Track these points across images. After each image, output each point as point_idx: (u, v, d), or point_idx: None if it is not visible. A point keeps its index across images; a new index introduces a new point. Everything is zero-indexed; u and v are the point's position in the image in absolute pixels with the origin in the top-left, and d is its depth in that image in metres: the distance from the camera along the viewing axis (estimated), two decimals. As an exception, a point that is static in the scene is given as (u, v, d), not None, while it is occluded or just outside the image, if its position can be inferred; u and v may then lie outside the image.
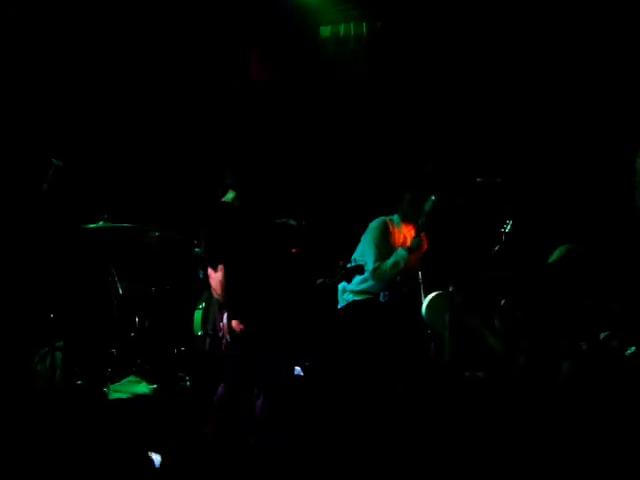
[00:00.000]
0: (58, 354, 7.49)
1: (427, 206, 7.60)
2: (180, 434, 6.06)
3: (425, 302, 7.32)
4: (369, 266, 7.46)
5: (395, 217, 7.78)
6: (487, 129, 9.20)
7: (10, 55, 8.46)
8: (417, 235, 7.51)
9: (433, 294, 7.51)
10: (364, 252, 7.60)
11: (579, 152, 8.92)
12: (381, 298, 7.55)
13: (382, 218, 7.77)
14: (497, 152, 8.70)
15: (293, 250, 8.03)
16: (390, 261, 7.49)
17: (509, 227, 7.80)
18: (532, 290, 7.71)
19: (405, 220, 7.73)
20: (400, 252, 7.54)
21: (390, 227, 7.74)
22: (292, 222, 7.11)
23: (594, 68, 8.78)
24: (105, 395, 7.13)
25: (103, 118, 8.98)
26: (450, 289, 7.23)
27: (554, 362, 6.20)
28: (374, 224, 7.73)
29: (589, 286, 7.35)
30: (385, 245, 7.60)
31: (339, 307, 7.66)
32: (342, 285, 7.47)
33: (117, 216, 8.19)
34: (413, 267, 7.57)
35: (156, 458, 5.48)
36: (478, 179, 7.67)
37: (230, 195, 6.12)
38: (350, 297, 7.59)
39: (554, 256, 7.42)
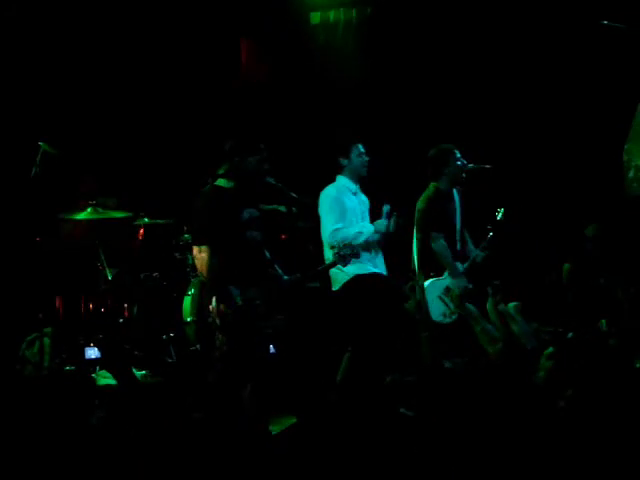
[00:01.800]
0: (46, 340, 7.47)
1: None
2: (168, 419, 6.04)
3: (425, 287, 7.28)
4: (327, 230, 7.29)
5: (342, 179, 7.58)
6: (477, 115, 9.20)
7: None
8: (389, 217, 7.30)
9: (430, 281, 7.51)
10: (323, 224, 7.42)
11: (570, 140, 8.94)
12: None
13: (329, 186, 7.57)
14: (487, 139, 8.68)
15: (282, 236, 8.03)
16: (354, 229, 7.34)
17: (501, 215, 7.79)
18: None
19: (353, 176, 7.50)
20: (368, 226, 7.38)
21: (337, 192, 7.54)
22: (282, 209, 7.10)
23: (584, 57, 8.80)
24: (94, 381, 7.11)
25: (97, 103, 8.95)
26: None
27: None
28: (322, 194, 7.54)
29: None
30: (340, 206, 7.43)
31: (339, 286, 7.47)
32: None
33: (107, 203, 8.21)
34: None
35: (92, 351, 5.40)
36: (470, 165, 7.67)
37: (221, 170, 6.12)
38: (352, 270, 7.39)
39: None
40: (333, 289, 7.34)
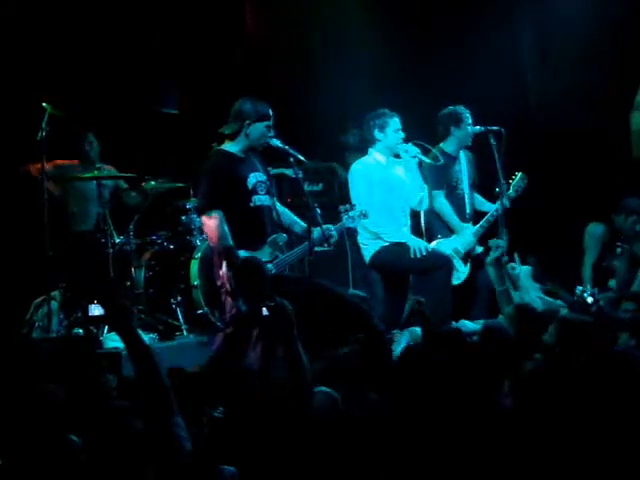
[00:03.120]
0: (54, 303, 7.48)
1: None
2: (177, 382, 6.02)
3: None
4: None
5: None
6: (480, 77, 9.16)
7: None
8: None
9: (436, 242, 7.52)
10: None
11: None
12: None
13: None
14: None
15: (289, 200, 8.00)
16: None
17: (518, 179, 7.75)
18: None
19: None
20: None
21: None
22: (289, 172, 7.07)
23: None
24: (101, 343, 7.11)
25: (101, 66, 8.90)
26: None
27: None
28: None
29: None
30: None
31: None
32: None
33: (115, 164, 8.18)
34: None
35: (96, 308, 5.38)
36: (477, 127, 7.63)
37: (227, 129, 6.09)
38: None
39: None
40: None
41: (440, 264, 7.27)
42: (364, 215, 6.59)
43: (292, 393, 4.41)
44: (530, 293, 7.36)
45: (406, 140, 7.30)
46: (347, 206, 6.64)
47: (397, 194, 7.38)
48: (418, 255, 7.20)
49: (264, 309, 5.87)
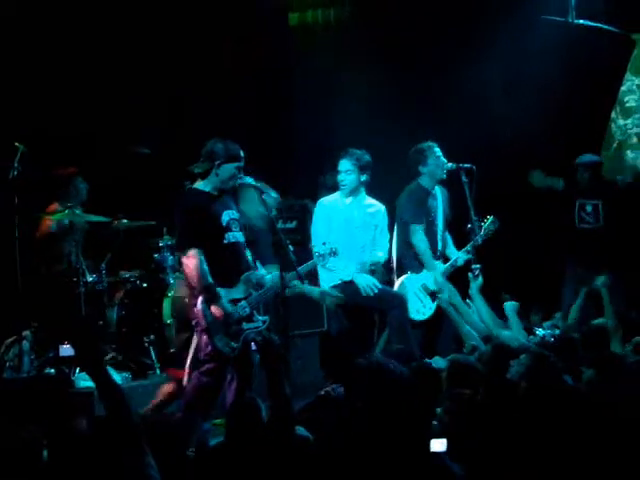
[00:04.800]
0: (25, 343, 7.41)
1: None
2: (149, 420, 5.98)
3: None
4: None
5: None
6: (450, 115, 9.24)
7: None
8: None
9: (407, 276, 7.56)
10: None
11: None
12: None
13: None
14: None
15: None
16: None
17: (489, 222, 7.76)
18: None
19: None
20: None
21: None
22: (262, 209, 7.07)
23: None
24: (73, 383, 7.05)
25: (75, 101, 8.90)
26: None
27: None
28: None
29: None
30: None
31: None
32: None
33: (87, 204, 8.14)
34: None
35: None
36: (449, 164, 7.68)
37: (198, 168, 6.09)
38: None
39: None
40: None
41: (394, 303, 7.37)
42: (334, 253, 6.60)
43: (274, 424, 4.40)
44: (515, 328, 7.35)
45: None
46: (318, 244, 6.69)
47: (353, 232, 7.51)
48: (370, 293, 7.31)
49: (252, 343, 5.92)
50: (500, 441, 4.14)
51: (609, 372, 5.06)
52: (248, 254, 6.17)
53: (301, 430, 4.56)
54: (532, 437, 4.12)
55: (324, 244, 6.63)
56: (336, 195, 7.59)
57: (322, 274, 7.45)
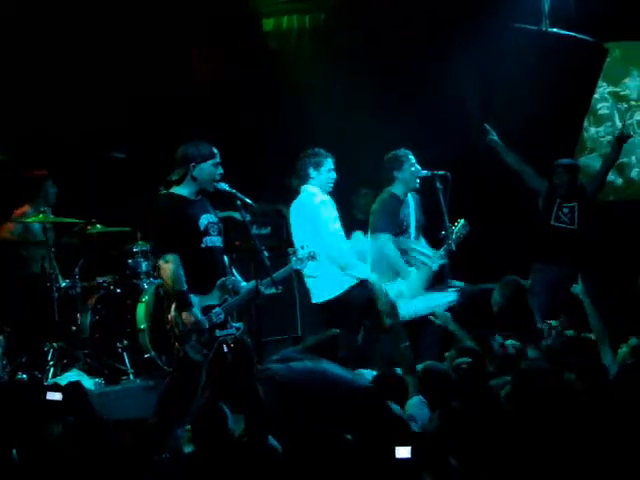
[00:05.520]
0: (-3, 348, 7.38)
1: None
2: (121, 426, 5.96)
3: None
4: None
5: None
6: (425, 121, 9.27)
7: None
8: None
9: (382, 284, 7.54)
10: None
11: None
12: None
13: None
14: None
15: (237, 243, 8.00)
16: None
17: (460, 226, 7.79)
18: None
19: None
20: None
21: None
22: (236, 215, 7.06)
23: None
24: (45, 389, 6.99)
25: (46, 105, 8.86)
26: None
27: None
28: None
29: None
30: None
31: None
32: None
33: (60, 210, 8.12)
34: None
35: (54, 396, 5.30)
36: (424, 171, 7.70)
37: (175, 175, 6.07)
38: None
39: None
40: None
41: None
42: (312, 257, 6.58)
43: (249, 427, 4.41)
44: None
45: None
46: (296, 248, 6.65)
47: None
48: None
49: (225, 346, 5.89)
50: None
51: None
52: (225, 259, 6.17)
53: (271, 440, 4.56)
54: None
55: (302, 247, 6.60)
56: (311, 189, 7.47)
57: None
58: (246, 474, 4.11)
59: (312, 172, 7.39)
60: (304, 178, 7.45)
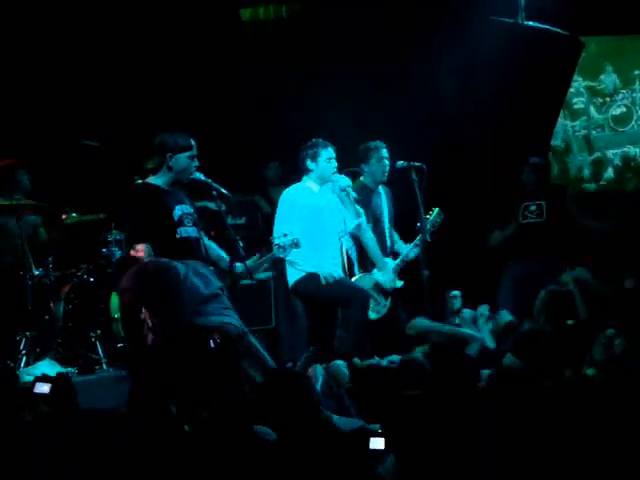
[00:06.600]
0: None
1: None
2: (96, 416, 5.93)
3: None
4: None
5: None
6: (402, 113, 9.27)
7: None
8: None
9: (359, 276, 7.53)
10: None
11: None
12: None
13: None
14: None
15: (212, 233, 7.97)
16: None
17: (435, 214, 7.80)
18: None
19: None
20: None
21: None
22: (211, 205, 7.05)
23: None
24: (17, 378, 6.95)
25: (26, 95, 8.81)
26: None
27: None
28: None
29: None
30: None
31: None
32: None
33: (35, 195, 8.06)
34: None
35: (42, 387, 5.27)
36: (399, 162, 7.70)
37: (150, 164, 6.06)
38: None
39: None
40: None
41: (357, 297, 7.22)
42: (296, 245, 6.49)
43: (233, 420, 4.39)
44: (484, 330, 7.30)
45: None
46: (279, 235, 6.57)
47: (322, 224, 7.30)
48: (330, 280, 7.11)
49: (210, 341, 5.86)
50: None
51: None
52: (202, 250, 6.15)
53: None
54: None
55: (285, 235, 6.54)
56: (311, 184, 7.36)
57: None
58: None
59: (310, 164, 7.30)
60: (304, 171, 7.37)
